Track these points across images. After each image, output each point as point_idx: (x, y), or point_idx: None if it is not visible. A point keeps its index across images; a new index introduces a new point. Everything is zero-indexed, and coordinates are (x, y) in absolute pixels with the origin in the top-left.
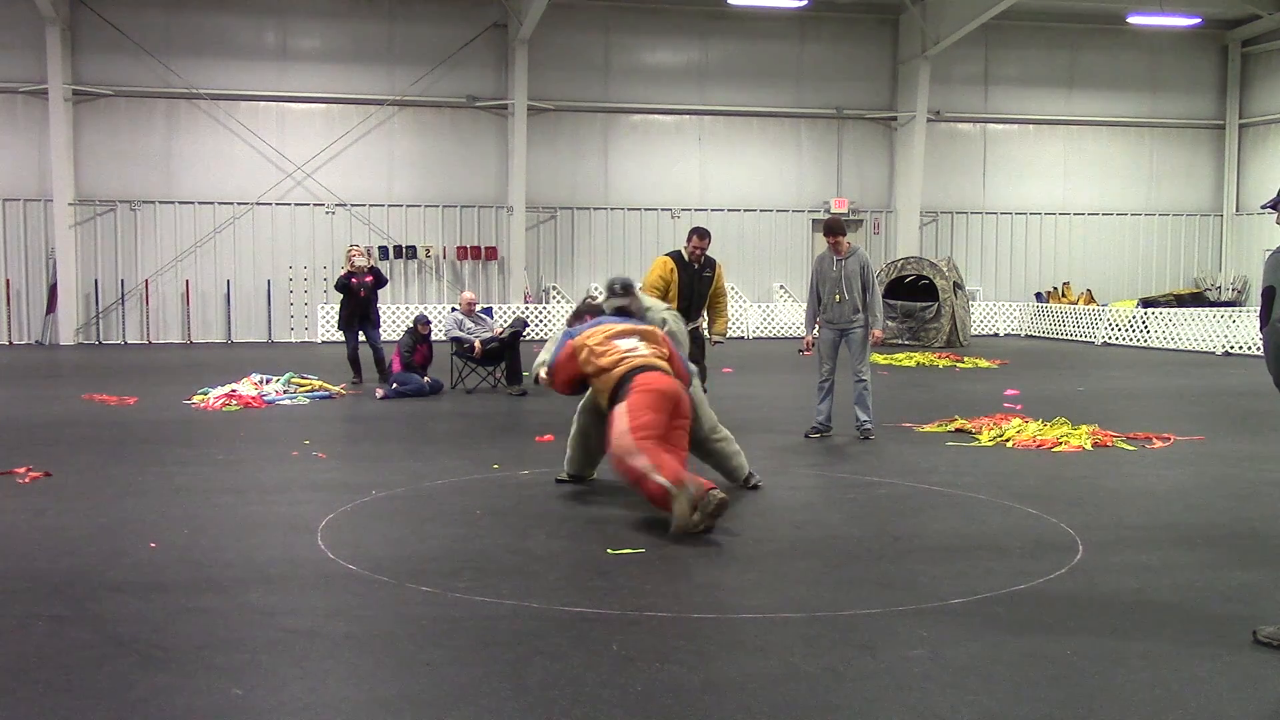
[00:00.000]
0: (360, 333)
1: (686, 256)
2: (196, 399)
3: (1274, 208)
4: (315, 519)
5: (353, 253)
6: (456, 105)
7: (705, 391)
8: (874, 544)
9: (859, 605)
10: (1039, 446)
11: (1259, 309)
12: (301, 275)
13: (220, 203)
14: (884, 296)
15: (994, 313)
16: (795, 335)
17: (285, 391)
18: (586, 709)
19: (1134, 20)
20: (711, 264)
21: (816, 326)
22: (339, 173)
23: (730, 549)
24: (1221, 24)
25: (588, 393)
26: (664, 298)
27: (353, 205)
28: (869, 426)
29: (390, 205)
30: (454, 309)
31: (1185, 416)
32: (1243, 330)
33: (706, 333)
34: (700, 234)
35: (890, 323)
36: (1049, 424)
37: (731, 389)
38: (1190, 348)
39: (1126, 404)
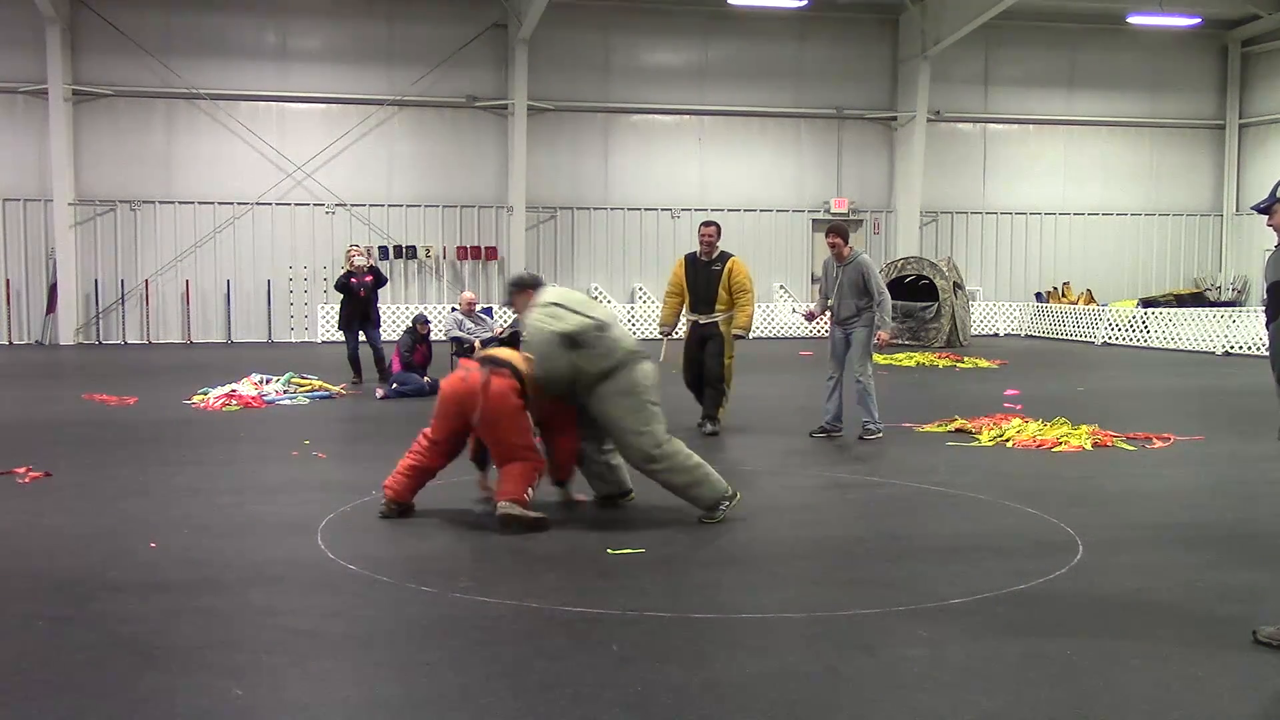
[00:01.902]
0: (360, 333)
1: (699, 252)
2: (196, 399)
3: (1264, 210)
4: (315, 519)
5: (352, 253)
6: (456, 105)
7: (727, 394)
8: (874, 544)
9: (859, 605)
10: (1039, 446)
11: (1264, 305)
12: (301, 275)
13: (220, 203)
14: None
15: (994, 313)
16: (795, 335)
17: (285, 391)
18: (586, 709)
19: (1134, 20)
20: (723, 259)
21: (826, 314)
22: (339, 173)
23: (730, 549)
24: (1221, 24)
25: None
26: (680, 296)
27: (353, 205)
28: (872, 427)
29: (390, 205)
30: (454, 309)
31: (1185, 416)
32: (1243, 330)
33: (723, 329)
34: (705, 223)
35: (891, 323)
36: (1049, 424)
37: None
38: (1190, 348)
39: (1126, 404)
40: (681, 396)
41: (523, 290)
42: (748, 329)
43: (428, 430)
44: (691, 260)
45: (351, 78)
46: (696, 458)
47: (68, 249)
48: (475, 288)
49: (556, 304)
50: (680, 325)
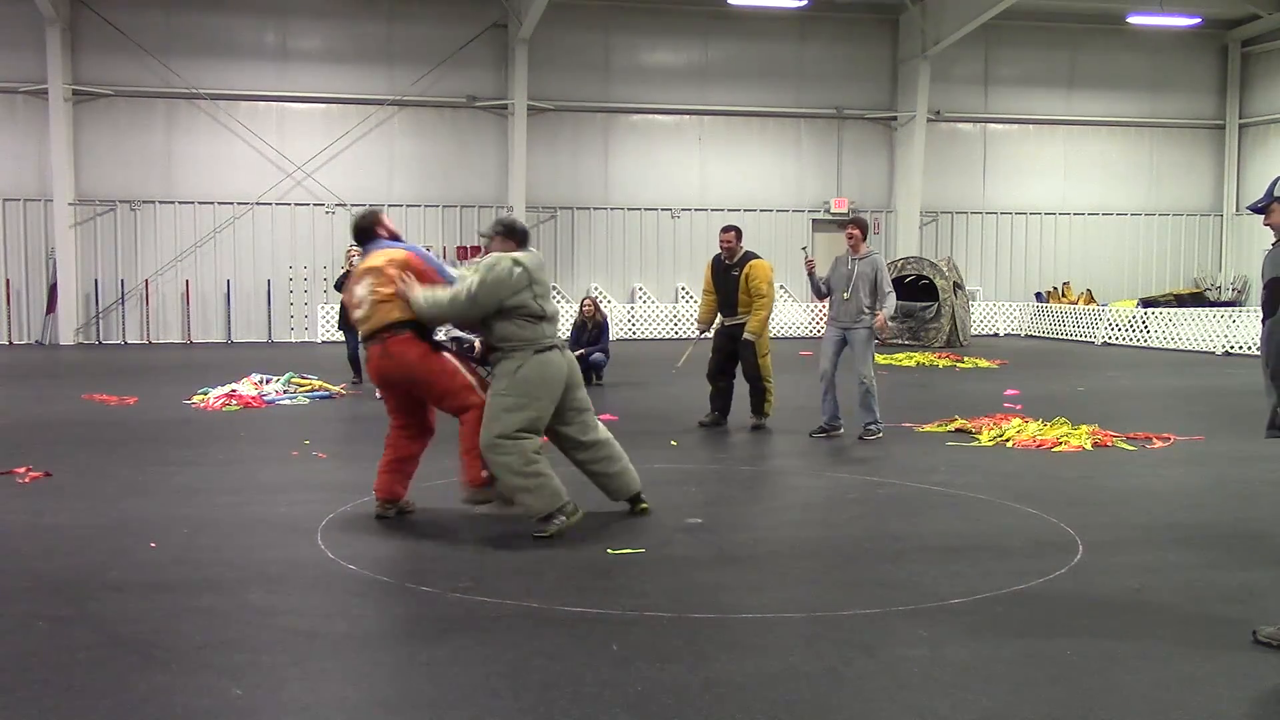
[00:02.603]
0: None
1: (722, 255)
2: (196, 399)
3: (1260, 210)
4: (315, 519)
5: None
6: (456, 105)
7: (769, 390)
8: (874, 544)
9: (859, 605)
10: (1039, 446)
11: (1261, 301)
12: (301, 275)
13: (220, 203)
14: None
15: (994, 313)
16: (795, 335)
17: (285, 391)
18: (586, 709)
19: (1134, 20)
20: (743, 261)
21: (823, 287)
22: (339, 173)
23: (730, 549)
24: (1221, 24)
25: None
26: (714, 295)
27: (353, 205)
28: (874, 427)
29: (390, 205)
30: None
31: (1185, 416)
32: (1243, 330)
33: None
34: (724, 229)
35: (890, 323)
36: (1049, 424)
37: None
38: (1190, 348)
39: (1126, 404)
40: (687, 396)
41: (509, 238)
42: (757, 333)
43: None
44: (716, 263)
45: (351, 78)
46: (537, 467)
47: (68, 249)
48: None
49: (520, 262)
50: (716, 324)
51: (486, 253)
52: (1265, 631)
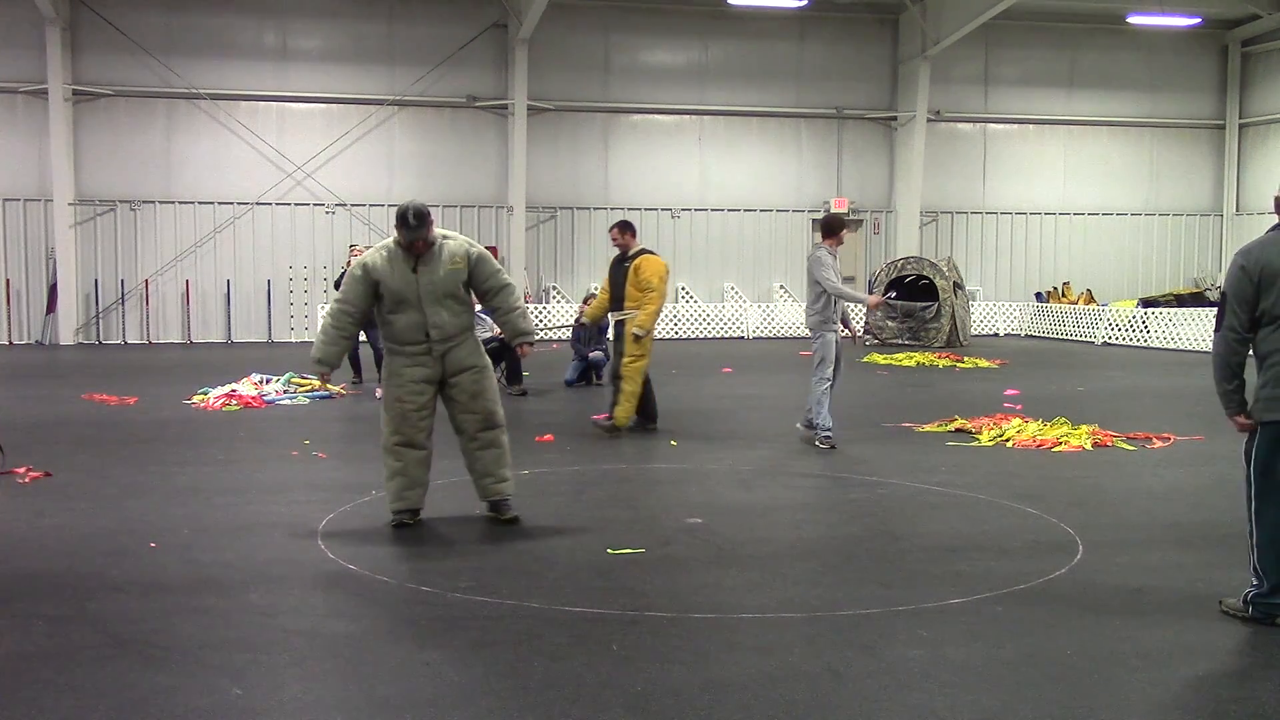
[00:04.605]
0: (360, 332)
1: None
2: (196, 399)
3: None
4: (315, 519)
5: (353, 252)
6: (456, 105)
7: (622, 393)
8: (874, 544)
9: (859, 605)
10: (1039, 446)
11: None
12: (301, 275)
13: (220, 203)
14: (884, 296)
15: (994, 313)
16: (795, 335)
17: (285, 391)
18: (586, 709)
19: (1134, 20)
20: (635, 255)
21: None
22: (339, 173)
23: (730, 549)
24: (1221, 24)
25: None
26: (608, 293)
27: (353, 205)
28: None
29: (390, 205)
30: None
31: (1185, 416)
32: None
33: (626, 327)
34: (612, 225)
35: (890, 323)
36: (1049, 424)
37: (731, 389)
38: (1190, 348)
39: (1126, 404)
40: (687, 396)
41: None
42: (643, 327)
43: None
44: (614, 259)
45: (351, 78)
46: (392, 463)
47: (68, 249)
48: None
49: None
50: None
51: (416, 245)
52: (1227, 603)
